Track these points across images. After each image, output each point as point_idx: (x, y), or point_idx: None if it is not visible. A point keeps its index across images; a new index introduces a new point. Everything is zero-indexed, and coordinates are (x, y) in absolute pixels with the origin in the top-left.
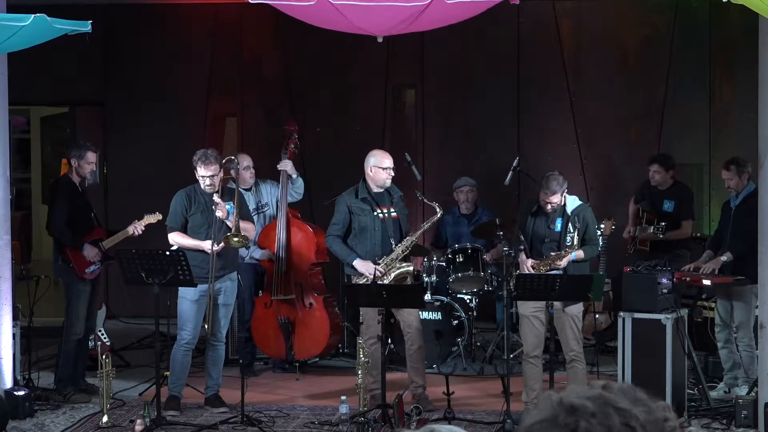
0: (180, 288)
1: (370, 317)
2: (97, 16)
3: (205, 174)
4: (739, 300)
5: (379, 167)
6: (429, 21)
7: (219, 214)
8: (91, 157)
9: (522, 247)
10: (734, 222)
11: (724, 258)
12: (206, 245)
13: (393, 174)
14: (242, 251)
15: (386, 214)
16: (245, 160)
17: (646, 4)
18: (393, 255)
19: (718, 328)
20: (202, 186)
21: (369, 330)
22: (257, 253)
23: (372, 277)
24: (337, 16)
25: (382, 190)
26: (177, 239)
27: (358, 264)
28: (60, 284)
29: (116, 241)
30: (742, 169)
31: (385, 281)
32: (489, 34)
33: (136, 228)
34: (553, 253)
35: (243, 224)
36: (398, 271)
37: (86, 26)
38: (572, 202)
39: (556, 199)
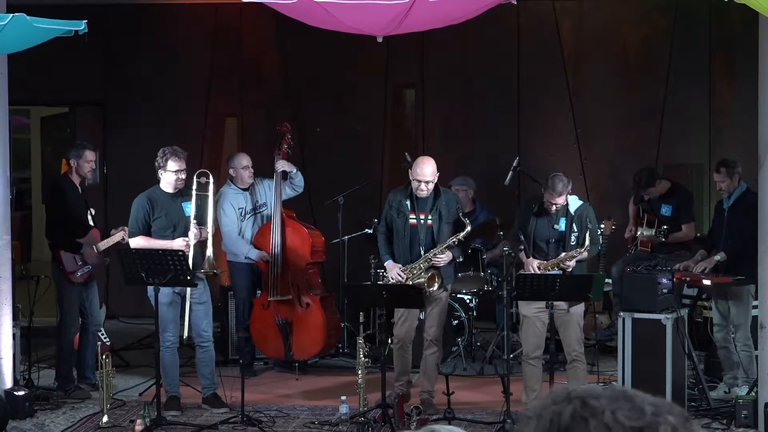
0: (151, 293)
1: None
2: (97, 16)
3: (180, 168)
4: (736, 300)
5: (414, 178)
6: (426, 21)
7: (193, 239)
8: (90, 155)
9: (522, 248)
10: (728, 223)
11: (717, 257)
12: (175, 244)
13: (427, 187)
14: (239, 249)
15: (421, 221)
16: (244, 160)
17: (646, 4)
18: (414, 264)
19: (716, 328)
20: (172, 181)
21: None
22: (253, 254)
23: (393, 280)
24: (323, 14)
25: (424, 197)
26: (141, 243)
27: (388, 265)
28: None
29: (109, 244)
30: (732, 170)
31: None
32: (489, 34)
33: (125, 235)
34: (562, 255)
35: (204, 232)
36: (417, 281)
37: (80, 25)
38: (574, 202)
39: (561, 200)
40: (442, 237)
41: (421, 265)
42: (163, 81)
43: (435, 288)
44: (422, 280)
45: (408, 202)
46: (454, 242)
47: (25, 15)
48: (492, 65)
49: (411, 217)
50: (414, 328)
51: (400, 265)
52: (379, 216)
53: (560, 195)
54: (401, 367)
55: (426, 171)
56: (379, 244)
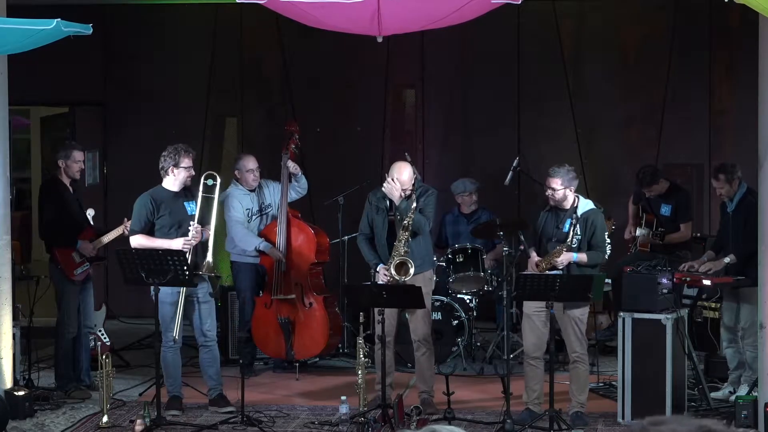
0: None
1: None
2: (97, 16)
3: (192, 164)
4: (746, 302)
5: (388, 176)
6: (411, 21)
7: (194, 239)
8: (78, 155)
9: (522, 247)
10: (733, 226)
11: (726, 260)
12: (174, 244)
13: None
14: (249, 243)
15: (398, 217)
16: (250, 163)
17: (647, 4)
18: (390, 259)
19: (724, 328)
20: (183, 179)
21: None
22: (263, 246)
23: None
24: (298, 11)
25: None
26: (141, 241)
27: (380, 270)
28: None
29: (106, 241)
30: (731, 176)
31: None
32: (489, 34)
33: (126, 227)
34: (554, 250)
35: (207, 232)
36: (398, 260)
37: (50, 24)
38: (584, 206)
39: (555, 184)
40: (415, 226)
41: (394, 255)
42: (163, 81)
43: (409, 275)
44: (393, 272)
45: (384, 199)
46: None
47: None
48: (492, 65)
49: (390, 213)
50: (394, 325)
51: (384, 267)
52: None
53: (553, 178)
54: (381, 368)
55: (394, 171)
56: (363, 252)
